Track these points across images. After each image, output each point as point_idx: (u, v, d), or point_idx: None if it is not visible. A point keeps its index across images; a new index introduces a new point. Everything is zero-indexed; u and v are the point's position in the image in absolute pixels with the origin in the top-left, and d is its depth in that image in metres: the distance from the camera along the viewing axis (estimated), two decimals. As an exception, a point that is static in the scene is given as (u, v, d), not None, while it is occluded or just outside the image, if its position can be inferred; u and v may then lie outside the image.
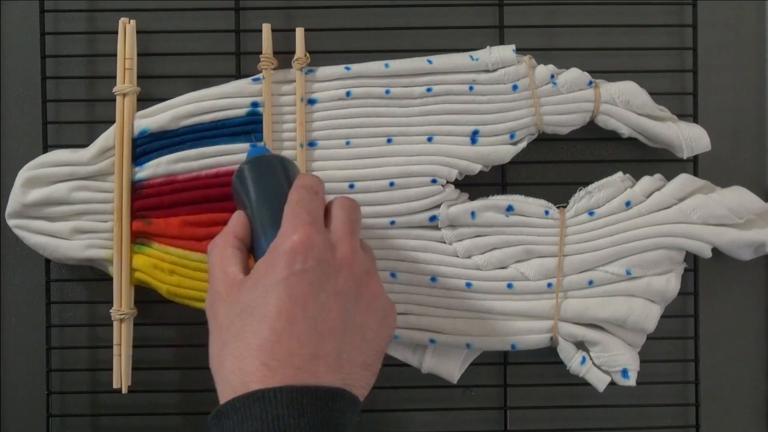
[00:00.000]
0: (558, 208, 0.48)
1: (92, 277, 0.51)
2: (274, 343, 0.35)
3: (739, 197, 0.47)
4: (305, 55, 0.48)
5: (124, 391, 0.48)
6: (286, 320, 0.35)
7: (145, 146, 0.48)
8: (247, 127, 0.48)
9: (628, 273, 0.47)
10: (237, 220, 0.41)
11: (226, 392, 0.35)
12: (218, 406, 0.35)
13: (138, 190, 0.48)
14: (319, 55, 0.49)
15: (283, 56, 0.48)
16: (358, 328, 0.37)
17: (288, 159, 0.43)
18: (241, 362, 0.35)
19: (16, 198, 0.47)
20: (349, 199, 0.41)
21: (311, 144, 0.48)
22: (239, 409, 0.33)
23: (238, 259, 0.39)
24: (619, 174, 0.49)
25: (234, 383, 0.34)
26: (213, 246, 0.40)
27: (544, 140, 0.49)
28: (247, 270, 0.39)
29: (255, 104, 0.48)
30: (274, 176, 0.42)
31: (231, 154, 0.48)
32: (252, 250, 0.41)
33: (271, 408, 0.33)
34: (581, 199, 0.48)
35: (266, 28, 0.49)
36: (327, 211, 0.41)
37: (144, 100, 0.49)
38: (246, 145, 0.48)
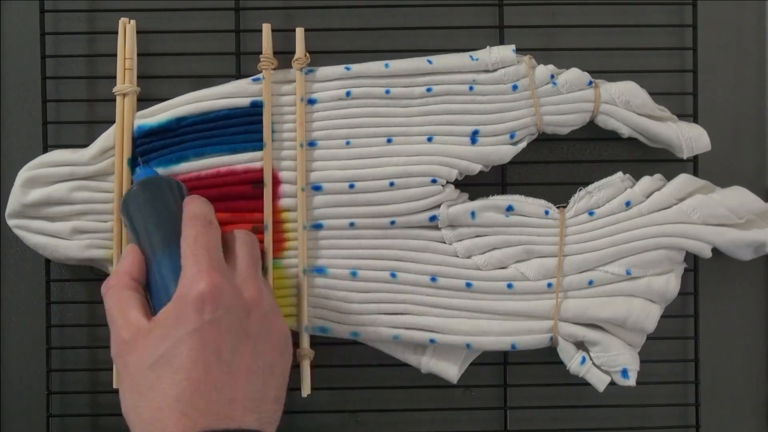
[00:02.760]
0: (558, 208, 0.48)
1: (92, 277, 0.51)
2: (192, 393, 0.35)
3: (739, 197, 0.47)
4: (305, 55, 0.48)
5: (124, 391, 0.48)
6: (202, 370, 0.36)
7: (146, 146, 0.48)
8: (248, 127, 0.48)
9: (628, 273, 0.47)
10: (130, 258, 0.40)
11: None
12: None
13: (138, 190, 0.48)
14: (319, 55, 0.49)
15: (283, 56, 0.48)
16: (269, 366, 0.38)
17: (176, 180, 0.44)
18: (160, 413, 0.35)
19: (16, 198, 0.47)
20: (248, 234, 0.42)
21: (311, 144, 0.48)
22: None
23: (138, 302, 0.39)
24: (619, 174, 0.49)
25: None
26: (107, 288, 0.40)
27: (544, 140, 0.49)
28: (147, 313, 0.39)
29: (255, 104, 0.48)
30: (163, 198, 0.42)
31: (231, 154, 0.48)
32: (147, 281, 0.40)
33: None
34: (581, 199, 0.48)
35: (266, 28, 0.49)
36: (225, 243, 0.41)
37: (144, 100, 0.49)
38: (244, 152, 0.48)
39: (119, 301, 0.39)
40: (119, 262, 0.41)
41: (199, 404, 0.35)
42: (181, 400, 0.35)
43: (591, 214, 0.48)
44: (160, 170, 0.47)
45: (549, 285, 0.48)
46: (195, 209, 0.41)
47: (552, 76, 0.48)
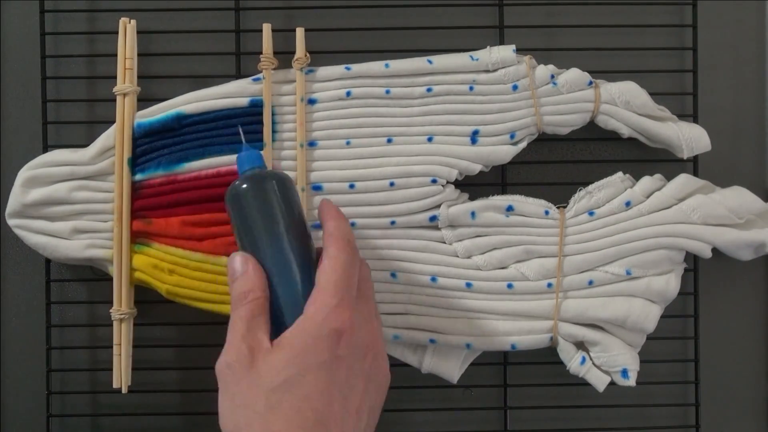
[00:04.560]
0: (558, 208, 0.48)
1: (92, 277, 0.51)
2: (315, 424, 0.36)
3: (739, 197, 0.47)
4: (305, 55, 0.48)
5: (124, 391, 0.48)
6: (326, 403, 0.36)
7: (146, 146, 0.48)
8: (248, 127, 0.48)
9: (628, 273, 0.47)
10: (257, 275, 0.39)
11: None
12: None
13: (138, 190, 0.48)
14: (319, 55, 0.49)
15: (283, 56, 0.48)
16: (374, 406, 0.39)
17: (287, 176, 0.41)
18: None
19: (16, 198, 0.47)
20: (368, 266, 0.42)
21: (311, 144, 0.48)
22: None
23: (265, 323, 0.38)
24: (619, 174, 0.49)
25: None
26: (240, 300, 0.38)
27: (544, 140, 0.49)
28: (269, 330, 0.38)
29: (255, 104, 0.48)
30: (291, 200, 0.40)
31: (232, 154, 0.47)
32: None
33: None
34: (581, 199, 0.48)
35: (266, 28, 0.49)
36: None
37: (144, 100, 0.49)
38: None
39: (251, 317, 0.38)
40: (243, 276, 0.39)
41: None
42: (304, 428, 0.35)
43: (591, 214, 0.48)
44: (161, 171, 0.47)
45: (549, 285, 0.48)
46: (344, 229, 0.39)
47: (552, 76, 0.48)
